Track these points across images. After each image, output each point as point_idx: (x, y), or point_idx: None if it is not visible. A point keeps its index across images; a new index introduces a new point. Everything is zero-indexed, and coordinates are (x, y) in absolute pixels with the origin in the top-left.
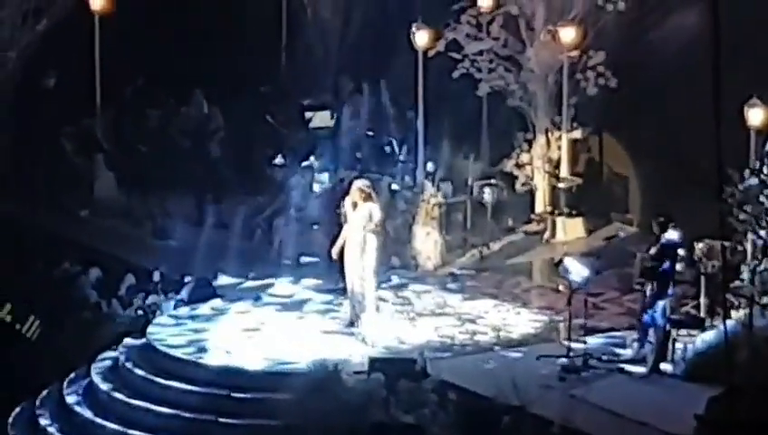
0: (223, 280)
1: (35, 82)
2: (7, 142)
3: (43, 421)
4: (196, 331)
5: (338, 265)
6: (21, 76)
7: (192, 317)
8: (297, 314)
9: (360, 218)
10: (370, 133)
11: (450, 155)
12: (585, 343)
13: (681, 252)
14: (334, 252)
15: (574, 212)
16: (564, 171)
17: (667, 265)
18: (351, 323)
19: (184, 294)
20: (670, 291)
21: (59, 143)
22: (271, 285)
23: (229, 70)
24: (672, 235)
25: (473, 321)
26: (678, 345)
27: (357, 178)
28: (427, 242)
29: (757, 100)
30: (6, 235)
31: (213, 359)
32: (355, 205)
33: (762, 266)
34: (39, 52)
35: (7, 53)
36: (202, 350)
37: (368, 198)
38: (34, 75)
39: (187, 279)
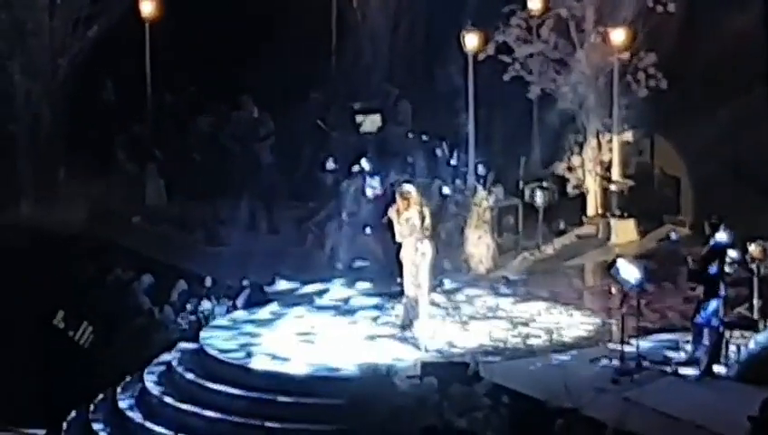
0: (275, 285)
1: (86, 89)
2: (60, 149)
3: (97, 427)
4: (248, 336)
5: (396, 270)
6: (72, 84)
7: (244, 322)
8: (349, 319)
9: (408, 225)
10: (421, 137)
11: (501, 158)
12: (638, 345)
13: (734, 253)
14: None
15: (626, 214)
16: (616, 174)
17: (715, 267)
18: (404, 328)
19: (236, 299)
20: (722, 293)
21: (111, 150)
22: (323, 290)
23: (279, 75)
24: (722, 236)
25: (525, 324)
26: (731, 347)
27: (400, 184)
28: (479, 245)
29: None
30: (59, 242)
31: (265, 364)
32: (401, 212)
33: None
34: (90, 59)
35: (58, 60)
36: (254, 355)
37: (411, 203)
38: (85, 83)
39: (239, 285)
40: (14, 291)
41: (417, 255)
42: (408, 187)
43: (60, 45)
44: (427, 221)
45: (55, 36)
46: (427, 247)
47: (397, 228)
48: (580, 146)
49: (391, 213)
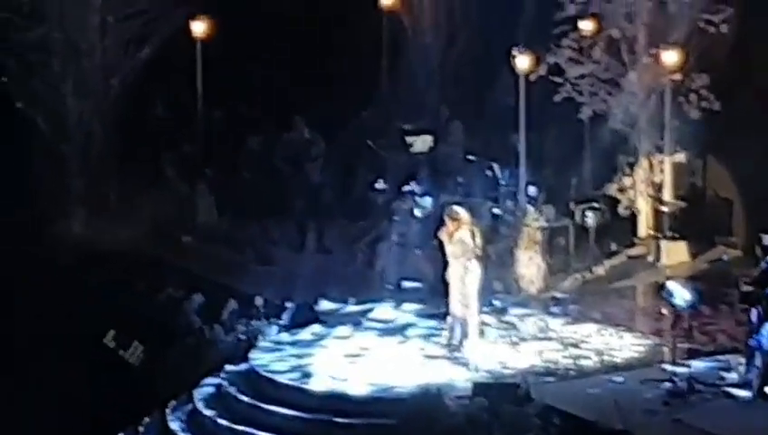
0: (325, 305)
1: (138, 108)
2: (112, 168)
3: None
4: (298, 356)
5: (443, 290)
6: (124, 103)
7: (294, 342)
8: (399, 339)
9: (458, 246)
10: (472, 157)
11: (552, 179)
12: (690, 367)
13: None
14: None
15: (677, 236)
16: (667, 195)
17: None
18: (451, 348)
19: (286, 319)
20: None
21: (161, 168)
22: (373, 310)
23: (330, 95)
24: None
25: (576, 345)
26: None
27: (449, 205)
28: (529, 266)
29: None
30: (111, 261)
31: (315, 384)
32: (451, 233)
33: None
34: (141, 79)
35: (110, 80)
36: (304, 375)
37: (459, 224)
38: (137, 102)
39: (289, 305)
40: (64, 308)
41: (466, 274)
42: (456, 208)
43: (112, 65)
44: (478, 241)
45: (107, 56)
46: (475, 267)
47: (448, 250)
48: (632, 167)
49: (442, 235)
